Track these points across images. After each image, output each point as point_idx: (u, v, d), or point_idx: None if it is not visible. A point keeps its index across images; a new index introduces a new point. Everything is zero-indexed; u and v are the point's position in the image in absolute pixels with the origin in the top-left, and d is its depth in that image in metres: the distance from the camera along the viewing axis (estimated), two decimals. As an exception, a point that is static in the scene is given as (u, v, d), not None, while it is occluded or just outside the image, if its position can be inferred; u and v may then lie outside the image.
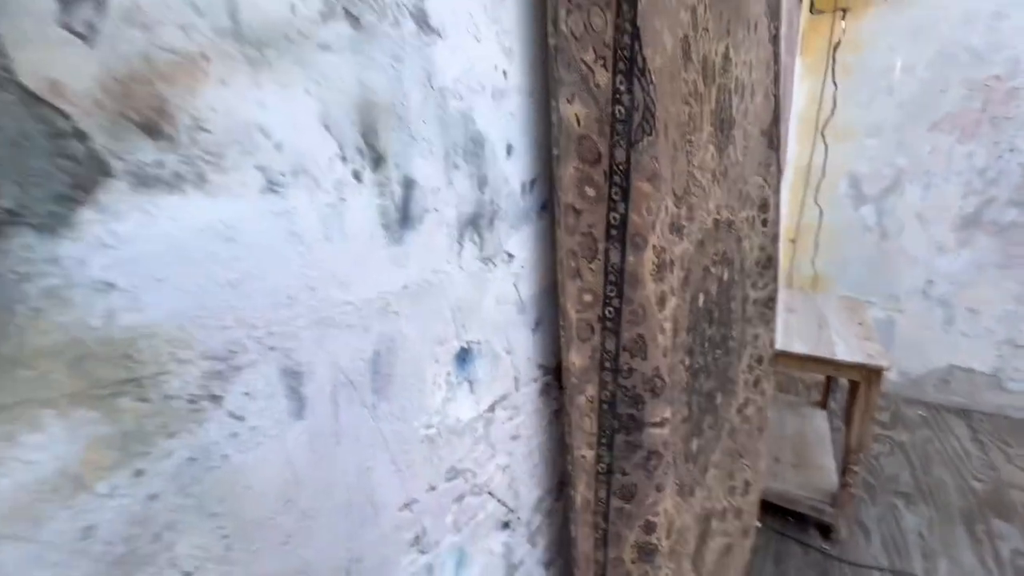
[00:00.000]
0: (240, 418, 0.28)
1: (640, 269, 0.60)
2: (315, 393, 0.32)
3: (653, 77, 0.62)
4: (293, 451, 0.31)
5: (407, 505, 0.41)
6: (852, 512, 1.75)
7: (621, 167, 0.56)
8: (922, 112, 2.41)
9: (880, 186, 2.59)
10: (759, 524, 1.69)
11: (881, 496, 1.87)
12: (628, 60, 0.55)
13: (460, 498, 0.48)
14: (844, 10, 2.55)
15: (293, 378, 0.31)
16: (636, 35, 0.52)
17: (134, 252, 0.23)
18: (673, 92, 0.65)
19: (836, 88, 2.59)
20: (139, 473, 0.24)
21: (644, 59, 0.56)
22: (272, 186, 0.28)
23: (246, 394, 0.28)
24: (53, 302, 0.21)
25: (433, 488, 0.44)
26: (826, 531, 1.66)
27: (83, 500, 0.22)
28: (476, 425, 0.48)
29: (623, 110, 0.55)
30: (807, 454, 1.91)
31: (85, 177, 0.21)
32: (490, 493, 0.52)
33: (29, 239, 0.20)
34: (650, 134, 0.62)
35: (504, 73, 0.45)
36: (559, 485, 0.67)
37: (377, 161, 0.34)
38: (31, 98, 0.20)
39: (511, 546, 0.57)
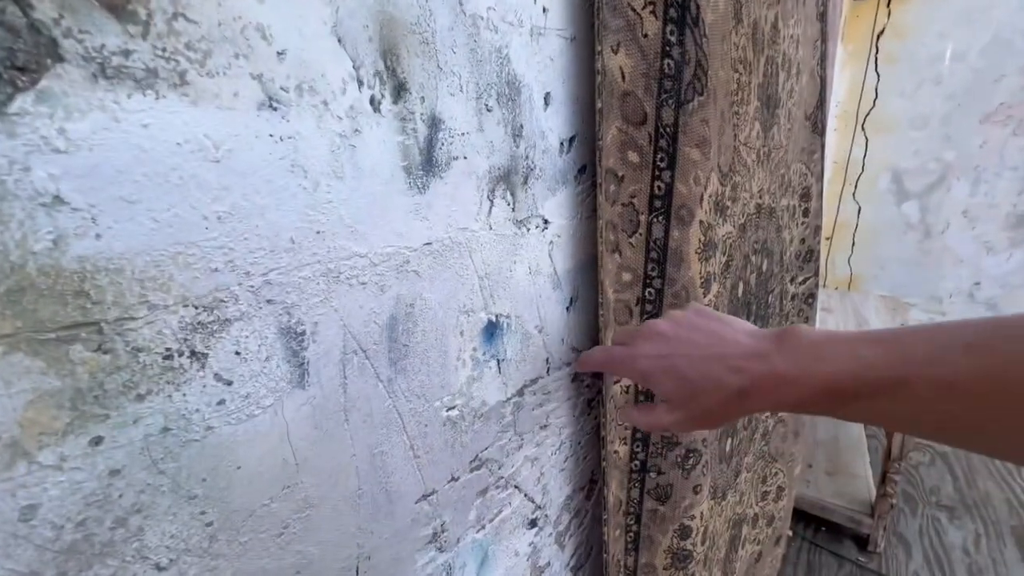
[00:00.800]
0: (228, 382, 0.23)
1: (685, 247, 0.54)
2: (320, 359, 0.27)
3: (707, 30, 0.55)
4: (293, 426, 0.26)
5: (425, 497, 0.36)
6: (891, 524, 1.65)
7: (668, 130, 0.50)
8: (974, 103, 2.26)
9: (925, 182, 2.45)
10: (791, 533, 1.60)
11: (922, 508, 1.76)
12: (680, 7, 0.48)
13: (484, 491, 0.42)
14: (890, -5, 2.41)
15: (294, 339, 0.26)
16: (689, -21, 0.46)
17: (92, 162, 0.18)
18: (723, 54, 0.58)
19: (879, 78, 2.45)
20: (96, 442, 0.19)
21: (698, 7, 0.49)
22: (272, 102, 0.23)
23: (236, 353, 0.23)
24: (-20, 213, 0.16)
25: (455, 479, 0.39)
26: (862, 543, 1.56)
27: (22, 472, 0.18)
28: (503, 410, 0.43)
29: (672, 64, 0.49)
30: (841, 461, 1.81)
31: (26, 55, 0.16)
32: (517, 487, 0.47)
33: (-54, 127, 0.15)
34: (701, 94, 0.55)
35: (544, 9, 0.39)
36: (590, 482, 0.61)
37: (398, 90, 0.29)
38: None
39: (538, 547, 0.52)
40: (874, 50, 2.45)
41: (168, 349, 0.21)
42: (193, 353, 0.22)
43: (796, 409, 0.30)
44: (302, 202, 0.25)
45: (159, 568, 0.22)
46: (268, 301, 0.24)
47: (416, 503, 0.36)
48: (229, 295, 0.23)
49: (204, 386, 0.22)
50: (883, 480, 1.47)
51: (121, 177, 0.19)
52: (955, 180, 2.39)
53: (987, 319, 0.24)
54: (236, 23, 0.21)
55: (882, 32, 2.43)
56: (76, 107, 0.18)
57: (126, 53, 0.19)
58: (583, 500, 0.60)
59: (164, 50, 0.20)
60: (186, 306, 0.21)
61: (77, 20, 0.17)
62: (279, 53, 0.23)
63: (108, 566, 0.20)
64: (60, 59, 0.17)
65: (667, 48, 0.47)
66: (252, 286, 0.24)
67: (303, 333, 0.26)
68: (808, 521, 1.66)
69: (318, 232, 0.26)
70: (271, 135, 0.23)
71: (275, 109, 0.23)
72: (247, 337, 0.24)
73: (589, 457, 0.60)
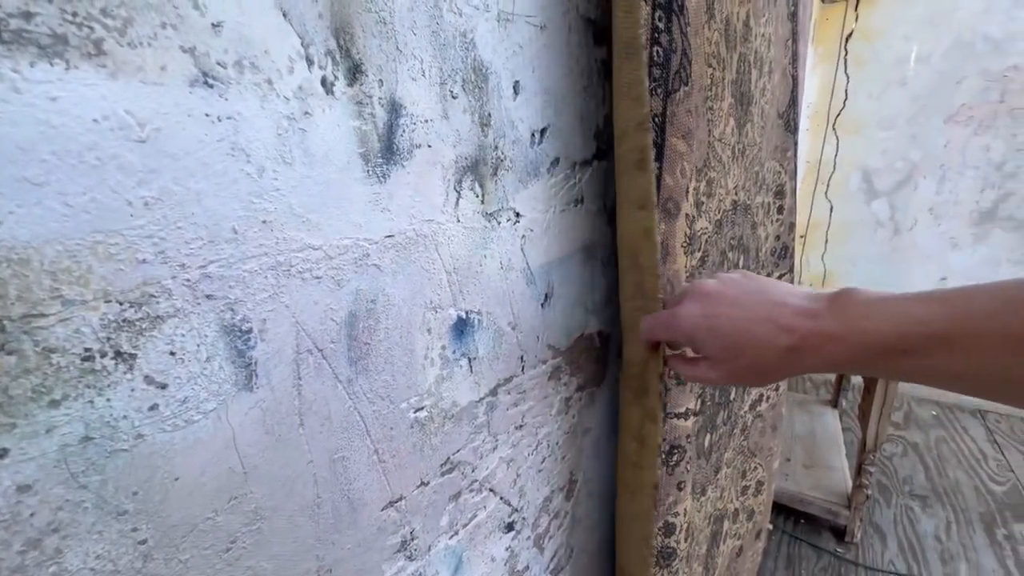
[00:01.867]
0: (162, 385, 0.21)
1: (671, 240, 0.53)
2: (270, 359, 0.25)
3: (690, 19, 0.54)
4: (240, 432, 0.24)
5: (392, 503, 0.34)
6: (867, 514, 1.68)
7: (657, 120, 0.49)
8: (937, 104, 2.34)
9: (893, 180, 2.52)
10: (770, 526, 1.62)
11: (896, 498, 1.80)
12: (668, -8, 0.48)
13: (457, 495, 0.41)
14: (858, -1, 2.48)
15: (239, 337, 0.24)
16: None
17: (-11, 137, 0.16)
18: (697, 48, 0.58)
19: (848, 79, 2.52)
20: (1, 454, 0.17)
21: (683, -8, 0.49)
22: (207, 79, 0.21)
23: (171, 354, 0.21)
24: None
25: (424, 484, 0.37)
26: (840, 534, 1.59)
27: (-95, 491, 0.15)
28: (476, 411, 0.41)
29: (661, 52, 0.48)
30: (819, 454, 1.84)
31: (-102, 12, 0.14)
32: (491, 490, 0.45)
33: None
34: (686, 84, 0.55)
35: (512, -6, 0.38)
36: (570, 482, 0.60)
37: (354, 71, 0.27)
38: None
39: (515, 551, 0.50)
40: (843, 52, 2.52)
41: (88, 349, 0.19)
42: (118, 354, 0.20)
43: (846, 368, 0.31)
44: (245, 188, 0.23)
45: (82, 593, 0.20)
46: (208, 296, 0.22)
47: (382, 510, 0.34)
48: (160, 289, 0.21)
49: (133, 390, 0.20)
50: (858, 472, 1.50)
51: (24, 156, 0.17)
52: (921, 179, 2.47)
53: None
54: (186, 7, 0.19)
55: (851, 35, 2.50)
56: (-34, 74, 0.15)
57: (27, 16, 0.16)
58: (563, 501, 0.59)
59: (75, 15, 0.17)
60: (108, 301, 0.19)
61: (-35, -25, 0.15)
62: (214, 25, 0.21)
63: (18, 594, 0.18)
64: (-55, 19, 0.15)
65: (656, 35, 0.47)
66: (188, 279, 0.22)
67: (249, 331, 0.24)
68: (788, 514, 1.68)
69: (264, 222, 0.24)
70: (207, 114, 0.21)
71: (211, 86, 0.21)
72: (183, 336, 0.22)
73: (568, 457, 0.58)
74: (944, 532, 1.67)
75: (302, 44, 0.25)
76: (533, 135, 0.43)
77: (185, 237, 0.21)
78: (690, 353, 0.43)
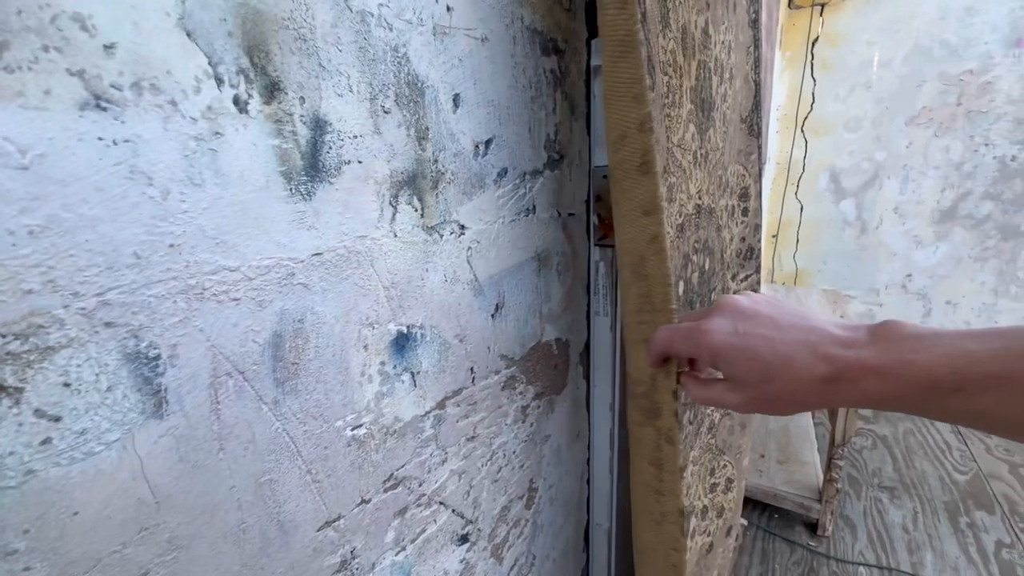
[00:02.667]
0: (56, 418, 0.20)
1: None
2: (182, 385, 0.25)
3: (649, 24, 0.55)
4: (149, 461, 0.24)
5: (329, 523, 0.34)
6: (837, 507, 1.72)
7: None
8: (899, 106, 2.41)
9: (859, 181, 2.60)
10: (744, 522, 1.64)
11: (866, 491, 1.85)
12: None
13: (403, 511, 0.40)
14: (822, 5, 2.54)
15: (145, 365, 0.23)
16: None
17: None
18: (655, 55, 0.59)
19: (815, 83, 2.59)
20: None
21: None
22: (100, 101, 0.21)
23: (66, 385, 0.21)
24: None
25: (366, 501, 0.37)
26: (812, 527, 1.62)
27: None
28: (422, 425, 0.41)
29: None
30: (792, 449, 1.88)
31: None
32: (442, 503, 0.45)
33: None
34: (652, 90, 0.55)
35: (448, 8, 0.38)
36: (530, 490, 0.60)
37: (271, 89, 0.27)
38: None
39: (471, 563, 0.50)
40: (810, 57, 2.58)
41: (-35, 385, 0.18)
42: (2, 388, 0.19)
43: (885, 405, 0.28)
44: (148, 212, 0.23)
45: (-34, 639, 0.19)
46: (107, 324, 0.22)
47: (318, 530, 0.33)
48: (51, 319, 0.20)
49: (20, 424, 0.20)
50: (828, 466, 1.53)
51: None
52: (886, 179, 2.54)
53: None
54: (42, 12, 0.19)
55: (816, 40, 2.56)
56: None
57: None
58: (522, 509, 0.59)
59: (-59, 41, 0.17)
60: (-11, 335, 0.19)
61: None
62: (107, 47, 0.21)
63: None
64: None
65: None
66: (83, 308, 0.21)
67: (157, 358, 0.24)
68: (763, 509, 1.71)
69: (171, 245, 0.24)
70: (100, 138, 0.21)
71: (104, 109, 0.21)
72: (79, 366, 0.21)
73: (527, 465, 0.58)
74: (911, 522, 1.72)
75: (210, 63, 0.24)
76: (477, 147, 0.43)
77: (78, 265, 0.21)
78: (703, 374, 0.40)
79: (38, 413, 0.20)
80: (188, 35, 0.23)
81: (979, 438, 2.22)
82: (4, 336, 0.19)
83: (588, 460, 0.75)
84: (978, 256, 2.42)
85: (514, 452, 0.55)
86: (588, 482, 0.76)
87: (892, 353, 0.28)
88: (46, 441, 0.20)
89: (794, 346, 0.31)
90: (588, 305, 0.69)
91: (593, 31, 0.61)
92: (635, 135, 0.44)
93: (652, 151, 0.43)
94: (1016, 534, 1.71)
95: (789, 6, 2.62)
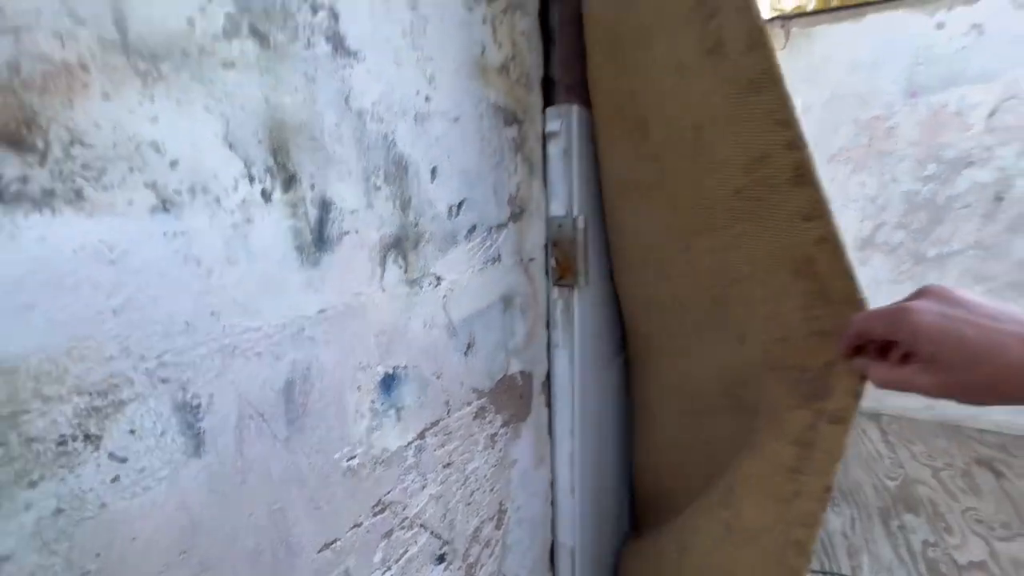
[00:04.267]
0: (123, 460, 0.25)
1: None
2: (216, 427, 0.30)
3: None
4: (189, 493, 0.29)
5: (328, 546, 0.39)
6: (784, 518, 1.83)
7: None
8: (821, 147, 2.70)
9: (791, 212, 2.83)
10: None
11: (808, 501, 1.98)
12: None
13: (388, 533, 0.45)
14: (751, 55, 2.82)
15: (189, 412, 0.28)
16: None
17: (-11, 276, 0.21)
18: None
19: (748, 124, 2.83)
20: (-12, 530, 0.21)
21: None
22: (165, 205, 0.27)
23: (131, 432, 0.26)
24: None
25: (358, 525, 0.42)
26: (762, 539, 1.73)
27: (-91, 568, 0.19)
28: (405, 454, 0.47)
29: None
30: (741, 465, 1.99)
31: (-74, 192, 0.19)
32: (422, 526, 0.50)
33: None
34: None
35: (427, 98, 0.46)
36: (499, 512, 0.65)
37: (289, 181, 0.33)
38: None
39: (447, 581, 0.55)
40: (743, 100, 2.84)
41: (62, 435, 0.23)
42: (87, 436, 0.24)
43: None
44: (196, 288, 0.28)
45: (50, 646, 0.23)
46: (163, 380, 0.27)
47: (319, 552, 0.38)
48: (124, 379, 0.25)
49: (99, 466, 0.24)
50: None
51: (17, 288, 0.21)
52: (814, 211, 2.79)
53: None
54: (130, 142, 0.25)
55: (748, 86, 2.83)
56: (-26, 231, 0.20)
57: (24, 179, 0.21)
58: (493, 530, 0.64)
59: (61, 173, 0.22)
60: (80, 394, 0.24)
61: (-23, 156, 0.20)
62: (172, 163, 0.27)
63: (-4, 650, 0.21)
64: (-41, 190, 0.20)
65: None
66: (147, 368, 0.26)
67: (198, 406, 0.29)
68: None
69: (212, 313, 0.29)
70: (164, 233, 0.27)
71: (168, 211, 0.27)
72: (142, 416, 0.26)
73: (497, 488, 0.64)
74: (849, 528, 1.86)
75: (245, 166, 0.30)
76: (450, 209, 0.51)
77: (145, 333, 0.26)
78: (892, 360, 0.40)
79: (111, 456, 0.25)
80: (230, 147, 0.29)
81: (906, 446, 2.44)
82: (91, 394, 0.24)
83: (552, 482, 0.81)
84: (894, 279, 2.70)
85: (485, 476, 0.61)
86: (552, 503, 0.82)
87: None
88: (115, 479, 0.25)
89: (1010, 336, 0.30)
90: (548, 339, 0.76)
91: (548, 101, 0.70)
92: (782, 153, 0.48)
93: (805, 164, 0.47)
94: (940, 533, 1.88)
95: (723, 56, 2.88)
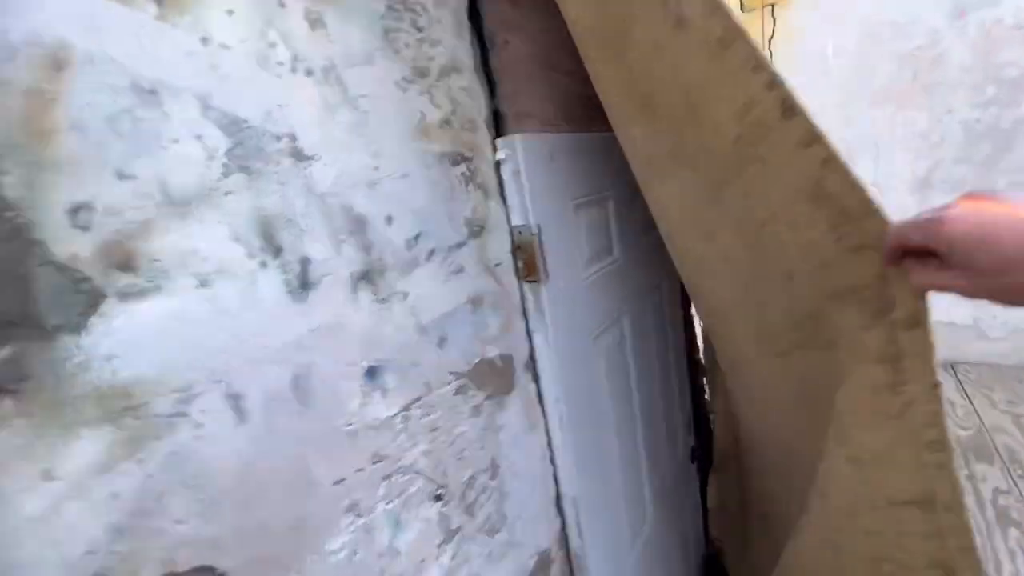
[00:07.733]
0: (200, 425, 0.46)
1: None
2: (252, 407, 0.50)
3: None
4: (240, 446, 0.49)
5: (338, 482, 0.59)
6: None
7: None
8: (860, 90, 2.56)
9: (833, 162, 2.71)
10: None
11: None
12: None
13: (388, 476, 0.65)
14: (772, 5, 2.73)
15: (235, 399, 0.49)
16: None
17: (123, 336, 0.42)
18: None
19: (777, 77, 2.74)
20: (140, 461, 0.42)
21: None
22: (203, 283, 0.47)
23: (203, 411, 0.47)
24: (81, 369, 0.39)
25: (361, 469, 0.61)
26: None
27: (109, 476, 0.41)
28: (393, 421, 0.66)
29: None
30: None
31: (92, 299, 0.40)
32: (417, 472, 0.69)
33: (66, 338, 0.39)
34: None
35: (375, 168, 0.64)
36: (493, 465, 0.83)
37: (277, 251, 0.53)
38: (59, 266, 0.39)
39: (447, 515, 0.74)
40: (769, 53, 2.76)
41: (169, 413, 0.44)
42: (180, 413, 0.45)
43: None
44: (228, 327, 0.49)
45: (179, 521, 0.44)
46: (217, 381, 0.48)
47: (333, 485, 0.58)
48: (196, 381, 0.46)
49: (188, 429, 0.45)
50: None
51: (136, 339, 0.42)
52: (859, 158, 2.67)
53: None
54: (181, 253, 0.45)
55: (772, 36, 2.74)
56: (113, 315, 0.41)
57: (132, 286, 0.42)
58: (488, 480, 0.82)
59: (149, 278, 0.43)
60: (174, 392, 0.45)
61: (109, 278, 0.41)
62: (204, 258, 0.47)
63: (150, 524, 0.43)
64: (104, 296, 0.41)
65: None
66: (208, 375, 0.47)
67: (240, 394, 0.49)
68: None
69: (240, 340, 0.50)
70: (205, 298, 0.47)
71: (206, 287, 0.47)
72: (208, 401, 0.47)
73: (487, 447, 0.82)
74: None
75: (247, 251, 0.50)
76: (407, 241, 0.69)
77: (204, 356, 0.47)
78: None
79: (194, 424, 0.46)
80: (236, 241, 0.49)
81: (984, 395, 2.29)
82: (179, 391, 0.45)
83: (549, 443, 0.98)
84: (958, 218, 2.51)
85: (473, 438, 0.79)
86: (552, 461, 0.99)
87: None
88: (198, 437, 0.46)
89: None
90: (528, 327, 0.93)
91: (498, 133, 0.86)
92: (765, 94, 0.51)
93: (791, 99, 0.50)
94: (1014, 481, 1.81)
95: (742, 10, 2.81)
